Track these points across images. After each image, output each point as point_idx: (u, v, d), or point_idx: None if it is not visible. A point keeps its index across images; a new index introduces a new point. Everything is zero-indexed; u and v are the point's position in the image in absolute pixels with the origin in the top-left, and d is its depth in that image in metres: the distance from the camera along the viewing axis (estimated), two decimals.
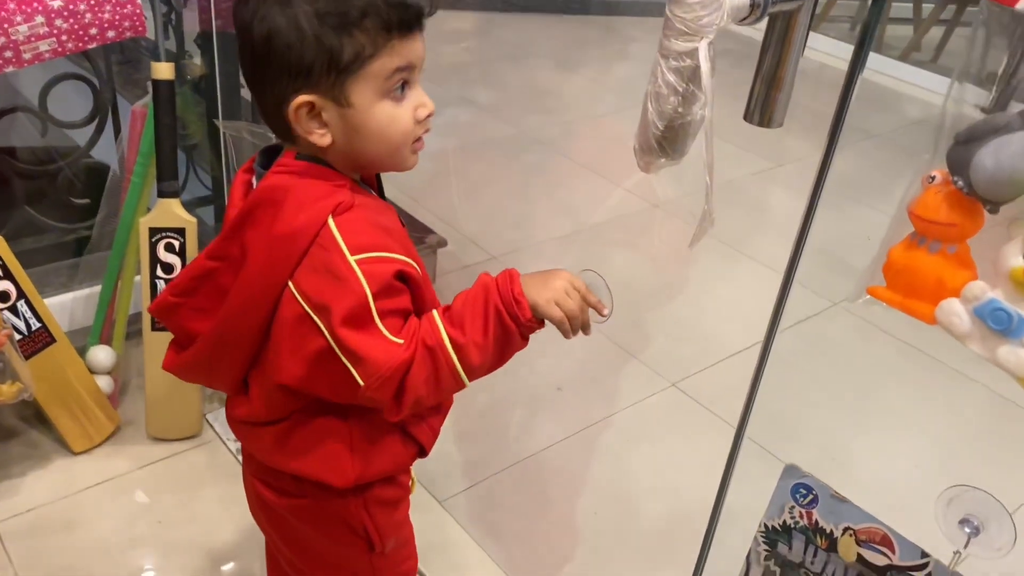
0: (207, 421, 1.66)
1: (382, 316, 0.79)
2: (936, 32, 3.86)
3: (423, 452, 0.97)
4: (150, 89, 1.52)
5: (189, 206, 1.84)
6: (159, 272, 1.56)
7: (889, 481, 1.74)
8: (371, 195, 0.89)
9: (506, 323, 0.81)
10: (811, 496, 0.84)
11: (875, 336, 2.05)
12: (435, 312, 0.83)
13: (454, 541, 1.51)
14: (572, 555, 1.52)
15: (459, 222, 2.45)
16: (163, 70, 1.51)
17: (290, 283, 0.82)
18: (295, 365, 0.85)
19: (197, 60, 1.73)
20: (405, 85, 0.82)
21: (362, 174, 0.89)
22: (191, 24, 1.70)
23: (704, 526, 1.08)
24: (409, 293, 0.84)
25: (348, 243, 0.79)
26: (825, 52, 3.37)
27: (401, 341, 0.79)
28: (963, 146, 0.64)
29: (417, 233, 2.15)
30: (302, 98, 0.79)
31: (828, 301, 2.18)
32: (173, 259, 1.56)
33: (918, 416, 1.91)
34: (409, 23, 0.79)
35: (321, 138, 0.81)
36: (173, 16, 1.69)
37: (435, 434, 0.98)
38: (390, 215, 0.89)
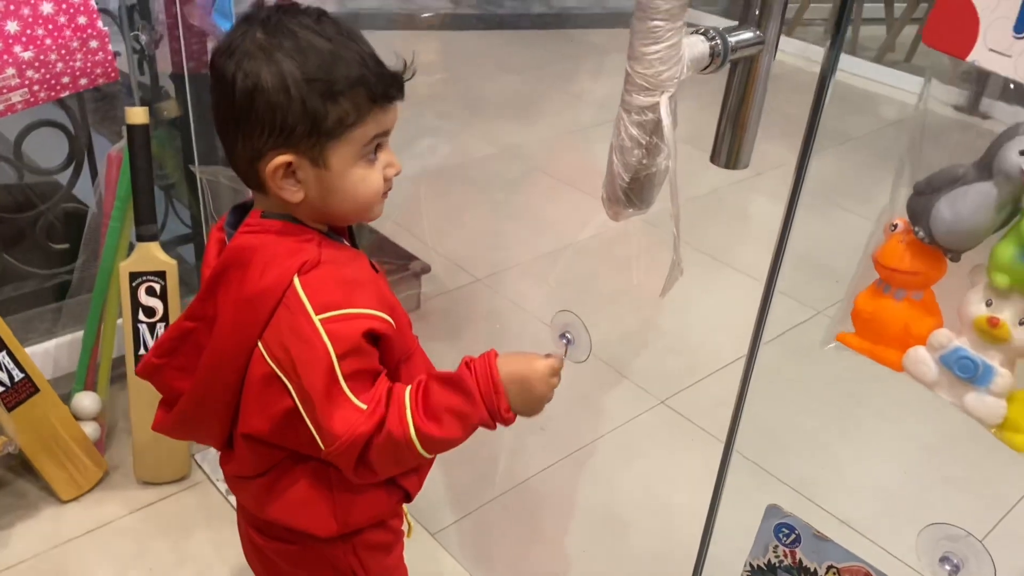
0: (195, 462, 1.66)
1: (347, 378, 0.80)
2: (909, 31, 3.89)
3: (408, 498, 0.97)
4: (124, 134, 1.52)
5: (170, 245, 1.84)
6: (141, 316, 1.56)
7: (879, 490, 1.75)
8: (340, 246, 0.89)
9: (488, 427, 0.84)
10: (794, 535, 0.84)
11: (850, 352, 2.06)
12: (406, 397, 0.82)
13: (447, 573, 1.51)
14: None
15: (442, 245, 2.45)
16: (137, 115, 1.51)
17: (259, 343, 0.82)
18: (262, 422, 0.86)
19: (172, 100, 1.73)
20: (378, 147, 0.83)
21: (331, 225, 0.90)
22: (164, 65, 1.70)
23: (697, 546, 1.08)
24: (378, 352, 0.84)
25: (313, 302, 0.80)
26: (800, 56, 3.39)
27: (364, 407, 0.80)
28: (922, 196, 0.65)
29: (400, 260, 2.16)
30: (281, 158, 0.79)
31: (813, 309, 2.19)
32: (155, 303, 1.56)
33: (906, 423, 1.92)
34: (391, 95, 0.81)
35: (293, 195, 0.82)
36: (146, 58, 1.69)
37: (422, 480, 0.98)
38: (360, 265, 0.89)
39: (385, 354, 0.86)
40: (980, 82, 0.65)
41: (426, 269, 2.16)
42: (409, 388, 0.84)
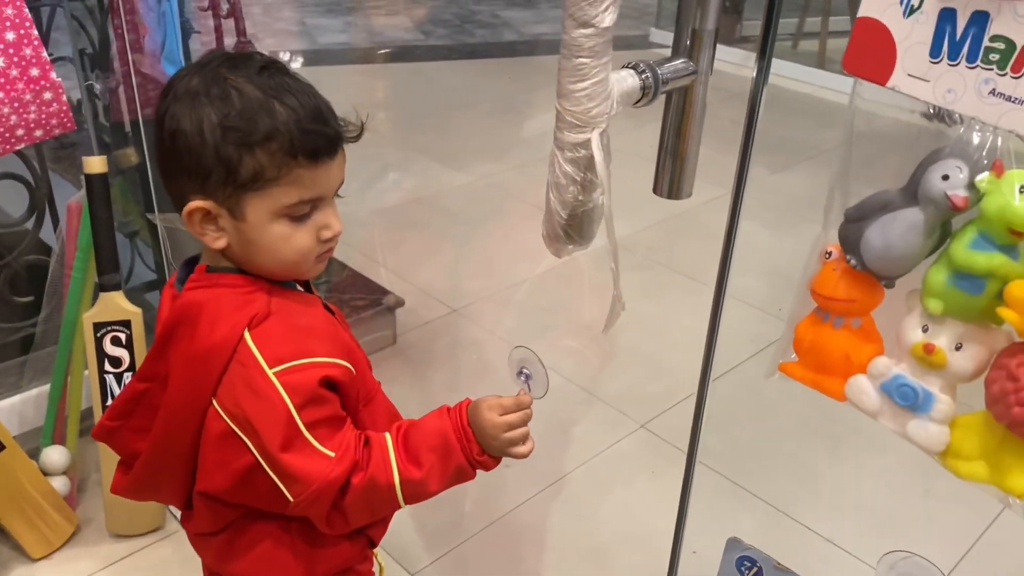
0: (169, 512, 1.64)
1: (310, 428, 0.79)
2: None
3: (372, 544, 0.96)
4: (83, 183, 1.51)
5: (136, 292, 1.83)
6: (107, 367, 1.54)
7: (862, 506, 1.73)
8: (290, 292, 0.87)
9: (466, 474, 0.85)
10: (755, 568, 0.83)
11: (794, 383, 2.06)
12: (389, 442, 0.83)
13: None
14: None
15: (417, 278, 2.44)
16: (94, 164, 1.50)
17: (214, 401, 0.80)
18: (222, 479, 0.84)
19: (131, 148, 1.72)
20: (314, 207, 0.80)
21: None
22: (120, 113, 1.69)
23: (682, 572, 1.06)
24: (338, 398, 0.83)
25: (266, 356, 0.78)
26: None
27: (332, 454, 0.79)
28: (853, 224, 0.65)
29: (373, 295, 2.14)
30: (196, 204, 0.78)
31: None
32: (121, 352, 1.54)
33: (886, 437, 1.91)
34: (317, 152, 0.77)
35: (215, 241, 0.80)
36: (102, 107, 1.68)
37: (386, 526, 0.97)
38: (313, 311, 0.87)
39: (344, 399, 0.85)
40: None
41: (400, 303, 2.14)
42: (389, 435, 0.83)
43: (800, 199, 2.80)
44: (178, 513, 1.61)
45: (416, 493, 0.84)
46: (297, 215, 0.79)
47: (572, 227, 0.77)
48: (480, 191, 3.00)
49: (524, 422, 0.86)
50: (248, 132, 0.75)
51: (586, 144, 0.72)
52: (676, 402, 2.00)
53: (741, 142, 0.79)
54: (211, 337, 0.79)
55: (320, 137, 0.77)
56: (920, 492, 1.76)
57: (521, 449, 0.86)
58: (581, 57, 0.70)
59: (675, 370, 2.11)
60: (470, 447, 0.84)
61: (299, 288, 0.90)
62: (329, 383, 0.81)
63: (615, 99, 0.72)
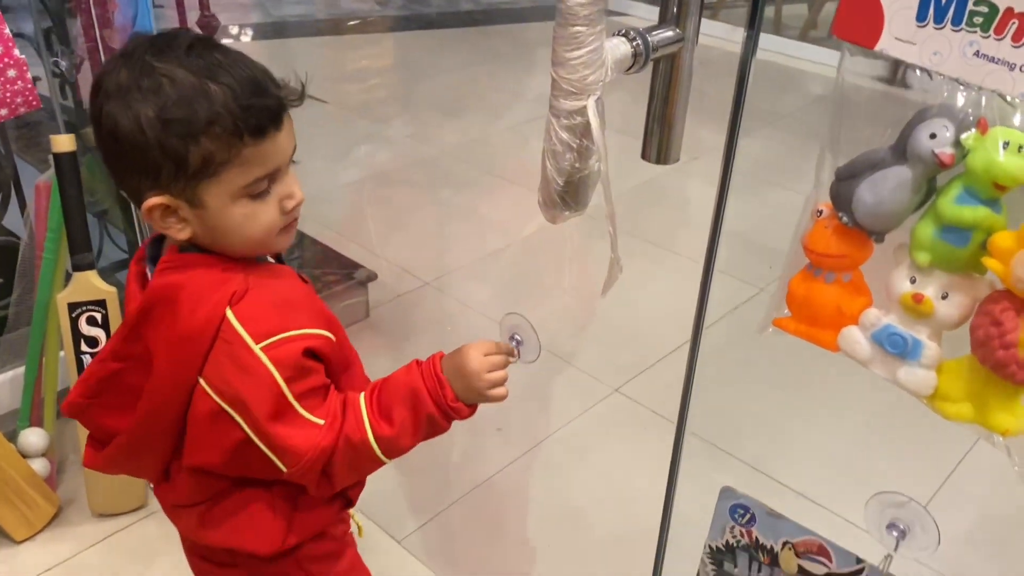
0: (151, 490, 1.63)
1: (299, 399, 0.80)
2: (830, 8, 3.97)
3: (350, 503, 0.97)
4: (52, 163, 1.48)
5: (108, 272, 1.81)
6: (84, 347, 1.53)
7: (831, 461, 1.79)
8: (265, 265, 0.87)
9: (439, 424, 0.85)
10: (749, 515, 0.87)
11: (787, 335, 2.12)
12: (362, 400, 0.83)
13: None
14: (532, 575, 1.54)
15: (388, 251, 2.44)
16: (63, 143, 1.47)
17: (201, 379, 0.81)
18: (214, 455, 0.84)
19: None
20: (271, 180, 0.79)
21: None
22: (87, 90, 1.66)
23: (658, 530, 1.10)
24: (322, 367, 0.84)
25: (251, 332, 0.79)
26: (727, 39, 3.44)
27: (322, 421, 0.81)
28: (844, 182, 0.68)
29: (344, 269, 2.14)
30: (153, 201, 0.76)
31: (754, 287, 2.23)
32: (97, 332, 1.53)
33: (851, 395, 1.97)
34: (262, 127, 0.76)
35: (180, 232, 0.80)
36: (68, 84, 1.65)
37: (363, 486, 0.98)
38: (289, 282, 0.88)
39: (327, 367, 0.86)
40: None
41: (372, 277, 2.15)
42: (363, 393, 0.84)
43: (760, 164, 2.85)
44: None
45: (392, 448, 0.84)
46: (256, 192, 0.78)
47: (568, 193, 0.79)
48: (447, 164, 3.00)
49: (504, 366, 0.88)
50: (188, 121, 0.73)
51: (582, 111, 0.74)
52: (648, 366, 2.04)
53: (730, 113, 0.81)
54: (193, 318, 0.79)
55: (262, 111, 0.75)
56: (885, 447, 1.83)
57: (499, 391, 0.87)
58: (577, 25, 0.71)
59: (646, 336, 2.16)
60: (443, 393, 0.84)
61: (271, 260, 0.90)
62: (312, 353, 0.82)
63: (609, 66, 0.74)
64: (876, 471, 1.75)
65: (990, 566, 1.56)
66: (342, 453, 0.82)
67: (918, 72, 0.63)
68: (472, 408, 0.87)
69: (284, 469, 0.81)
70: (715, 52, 2.15)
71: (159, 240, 0.87)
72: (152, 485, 0.95)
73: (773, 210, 2.44)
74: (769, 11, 3.97)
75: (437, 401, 0.84)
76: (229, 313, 0.79)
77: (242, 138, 0.74)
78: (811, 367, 1.99)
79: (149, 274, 0.86)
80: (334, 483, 0.85)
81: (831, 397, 1.97)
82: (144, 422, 0.85)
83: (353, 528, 1.06)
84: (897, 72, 0.68)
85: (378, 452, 0.83)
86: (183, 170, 0.74)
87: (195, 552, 0.98)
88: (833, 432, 1.87)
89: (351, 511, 1.01)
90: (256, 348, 0.78)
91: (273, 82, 0.78)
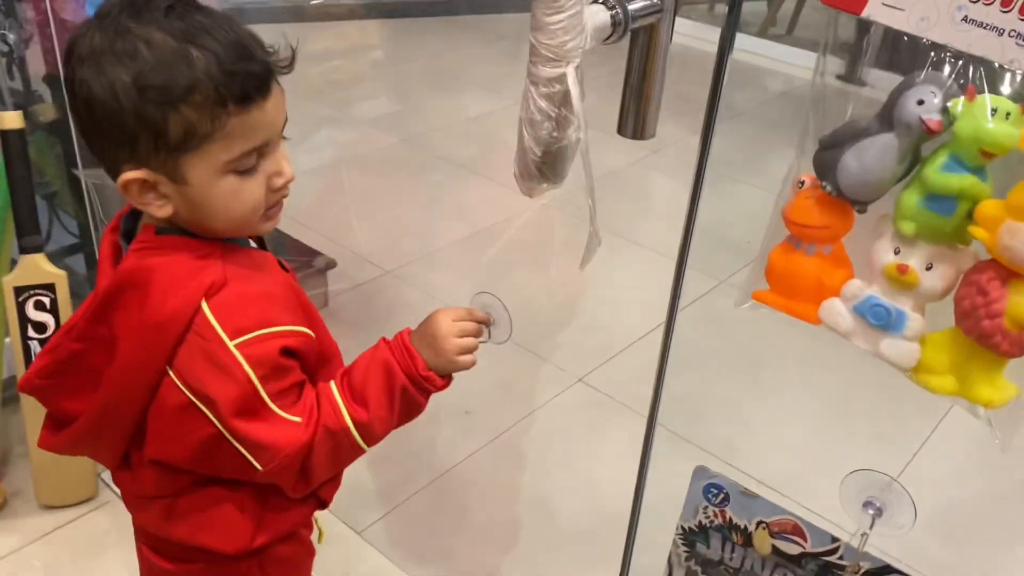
0: (102, 481, 1.58)
1: (274, 398, 0.76)
2: (789, 6, 4.02)
3: (323, 505, 0.93)
4: None
5: (56, 257, 1.74)
6: (31, 332, 1.47)
7: (794, 448, 1.80)
8: (244, 251, 0.83)
9: (414, 398, 0.81)
10: (722, 495, 0.86)
11: (764, 310, 2.13)
12: (334, 388, 0.80)
13: (377, 569, 1.48)
14: (499, 566, 1.52)
15: (348, 240, 2.40)
16: (10, 119, 1.41)
17: (170, 371, 0.76)
18: (181, 450, 0.80)
19: (48, 102, 1.63)
20: (260, 155, 0.75)
21: None
22: (37, 65, 1.60)
23: (626, 519, 1.09)
24: (298, 364, 0.81)
25: (226, 327, 0.74)
26: (687, 34, 3.46)
27: (298, 419, 0.77)
28: (828, 151, 0.67)
29: (303, 257, 2.10)
30: (130, 175, 0.72)
31: (715, 279, 2.24)
32: (45, 317, 1.47)
33: (815, 378, 1.99)
34: (248, 94, 0.70)
35: (160, 209, 0.75)
36: (16, 59, 1.59)
37: (338, 485, 0.95)
38: (270, 273, 0.83)
39: (303, 363, 0.82)
40: (857, 52, 0.67)
41: (331, 264, 2.11)
42: (334, 381, 0.81)
43: (720, 159, 2.84)
44: (112, 482, 1.57)
45: (370, 432, 0.81)
46: (244, 168, 0.73)
47: (546, 164, 0.77)
48: (407, 152, 2.97)
49: (476, 334, 0.86)
50: (167, 88, 0.68)
51: (561, 79, 0.72)
52: (611, 356, 2.04)
53: (706, 110, 0.80)
54: (165, 307, 0.75)
55: (248, 77, 0.70)
56: (842, 433, 1.85)
57: (468, 358, 0.85)
58: None
59: (609, 325, 2.15)
60: (414, 363, 0.82)
61: (252, 245, 0.86)
62: (289, 351, 0.78)
63: (588, 33, 0.72)
64: (838, 459, 1.77)
65: (950, 549, 1.58)
66: (321, 445, 0.79)
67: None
68: (446, 380, 0.84)
69: (259, 467, 0.77)
70: (675, 47, 2.15)
71: (135, 214, 0.82)
72: (110, 471, 0.91)
73: (732, 204, 2.45)
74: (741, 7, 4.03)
75: (408, 372, 0.81)
76: (204, 306, 0.74)
77: (226, 106, 0.69)
78: (770, 357, 2.02)
79: (124, 249, 0.81)
80: (311, 480, 0.81)
81: (791, 386, 1.99)
82: (103, 407, 0.81)
83: (315, 534, 1.01)
84: (855, 70, 0.68)
85: (357, 438, 0.80)
86: (163, 141, 0.70)
87: (149, 544, 0.93)
88: (795, 421, 1.89)
89: (316, 514, 0.98)
90: (231, 345, 0.74)
91: (261, 47, 0.73)
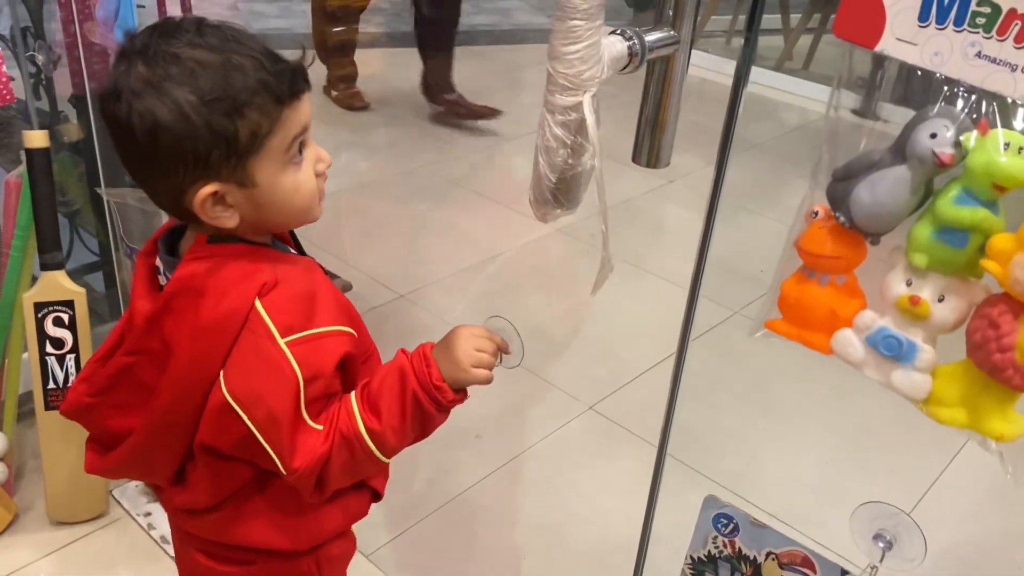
0: (113, 498, 1.59)
1: (308, 403, 0.78)
2: (805, 41, 4.04)
3: (377, 497, 0.95)
4: (23, 158, 1.45)
5: (76, 275, 1.77)
6: (49, 348, 1.48)
7: (804, 482, 1.79)
8: (290, 257, 0.86)
9: (426, 408, 0.81)
10: (732, 525, 0.85)
11: (777, 340, 2.13)
12: (352, 398, 0.81)
13: None
14: None
15: (364, 264, 2.42)
16: (36, 138, 1.44)
17: (220, 372, 0.78)
18: (221, 443, 0.82)
19: (73, 122, 1.67)
20: (302, 145, 0.79)
21: (274, 234, 0.87)
22: (64, 86, 1.63)
23: (635, 548, 1.09)
24: (341, 375, 0.82)
25: (278, 325, 0.77)
26: (704, 67, 3.49)
27: (320, 428, 0.79)
28: (841, 183, 0.67)
29: None
30: (205, 189, 0.75)
31: (728, 310, 2.24)
32: (63, 333, 1.49)
33: (827, 411, 1.98)
34: (299, 89, 0.76)
35: (228, 221, 0.78)
36: (44, 79, 1.62)
37: (387, 477, 0.97)
38: (316, 277, 0.86)
39: (349, 363, 0.84)
40: (872, 86, 0.68)
41: (348, 287, 2.13)
42: (355, 391, 0.82)
43: (734, 191, 2.86)
44: (123, 499, 1.58)
45: (383, 441, 0.81)
46: (296, 160, 0.78)
47: (560, 191, 0.78)
48: (424, 179, 2.99)
49: (493, 353, 0.86)
50: (232, 97, 0.72)
51: (577, 107, 0.74)
52: (622, 384, 2.04)
53: (720, 142, 0.81)
54: (220, 308, 0.77)
55: (293, 73, 0.76)
56: (854, 466, 1.83)
57: (483, 372, 0.84)
58: (575, 19, 0.71)
59: (620, 354, 2.15)
60: (429, 372, 0.82)
61: (291, 251, 0.89)
62: (342, 361, 0.80)
63: (605, 63, 0.74)
64: (849, 493, 1.75)
65: None
66: (337, 454, 0.79)
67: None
68: (460, 394, 0.83)
69: (282, 471, 0.79)
70: (691, 79, 2.17)
71: (175, 233, 0.85)
72: (159, 489, 0.91)
73: (745, 235, 2.46)
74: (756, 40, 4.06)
75: (421, 379, 0.81)
76: (258, 304, 0.77)
77: (281, 103, 0.74)
78: (782, 389, 2.01)
79: (161, 269, 0.84)
80: (326, 488, 0.82)
81: (803, 418, 1.98)
82: (161, 417, 0.82)
83: None
84: (870, 105, 0.69)
85: (371, 446, 0.80)
86: (234, 148, 0.74)
87: (202, 550, 0.93)
88: (805, 453, 1.88)
89: None
90: (282, 342, 0.76)
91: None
